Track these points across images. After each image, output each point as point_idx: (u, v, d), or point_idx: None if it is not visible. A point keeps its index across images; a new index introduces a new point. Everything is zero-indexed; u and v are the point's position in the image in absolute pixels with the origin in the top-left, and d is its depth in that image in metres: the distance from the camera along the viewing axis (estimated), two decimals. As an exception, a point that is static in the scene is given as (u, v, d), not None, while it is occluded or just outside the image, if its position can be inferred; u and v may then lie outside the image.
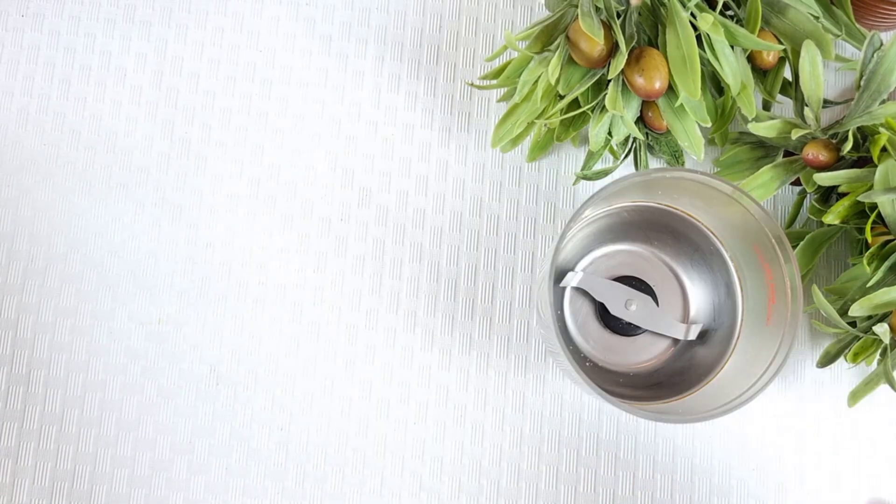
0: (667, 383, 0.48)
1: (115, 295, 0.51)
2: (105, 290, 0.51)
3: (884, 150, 0.44)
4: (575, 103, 0.47)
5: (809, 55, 0.44)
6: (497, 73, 0.49)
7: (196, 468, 0.50)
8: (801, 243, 0.49)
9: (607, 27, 0.44)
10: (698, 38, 0.44)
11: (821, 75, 0.45)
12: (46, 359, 0.50)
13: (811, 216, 0.49)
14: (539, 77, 0.46)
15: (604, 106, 0.47)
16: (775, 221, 0.44)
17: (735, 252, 0.48)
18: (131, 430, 0.50)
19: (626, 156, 0.51)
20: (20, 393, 0.50)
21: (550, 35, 0.46)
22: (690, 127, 0.46)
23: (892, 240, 0.45)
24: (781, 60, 0.48)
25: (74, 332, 0.51)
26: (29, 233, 0.52)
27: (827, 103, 0.48)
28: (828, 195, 0.49)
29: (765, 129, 0.46)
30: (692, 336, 0.49)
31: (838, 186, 0.46)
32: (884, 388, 0.51)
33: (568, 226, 0.44)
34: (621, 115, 0.45)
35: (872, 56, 0.45)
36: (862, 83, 0.45)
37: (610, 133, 0.48)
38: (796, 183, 0.49)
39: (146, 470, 0.49)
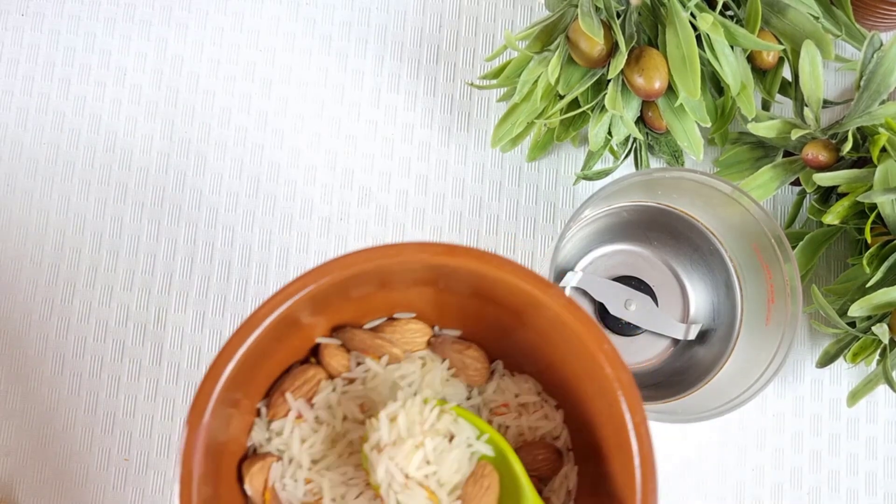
0: (666, 383, 0.48)
1: (113, 294, 0.51)
2: (104, 290, 0.51)
3: (883, 150, 0.44)
4: (575, 103, 0.47)
5: (809, 55, 0.44)
6: (497, 73, 0.49)
7: (195, 467, 0.50)
8: (801, 243, 0.49)
9: (607, 27, 0.44)
10: (698, 38, 0.44)
11: (820, 75, 0.45)
12: (45, 358, 0.50)
13: (811, 216, 0.49)
14: (539, 77, 0.46)
15: (603, 106, 0.47)
16: (775, 221, 0.44)
17: (734, 252, 0.48)
18: (129, 430, 0.50)
19: (627, 156, 0.51)
20: (19, 391, 0.50)
21: (550, 35, 0.46)
22: (690, 127, 0.46)
23: (892, 240, 0.45)
24: (781, 60, 0.48)
25: (72, 331, 0.51)
26: (28, 232, 0.52)
27: (827, 103, 0.48)
28: (827, 195, 0.49)
29: (764, 129, 0.46)
30: (691, 336, 0.49)
31: (838, 187, 0.46)
32: (883, 388, 0.51)
33: (567, 226, 0.44)
34: (621, 115, 0.45)
35: (872, 56, 0.45)
36: (862, 83, 0.45)
37: (610, 133, 0.48)
38: (796, 183, 0.49)
39: (144, 469, 0.49)
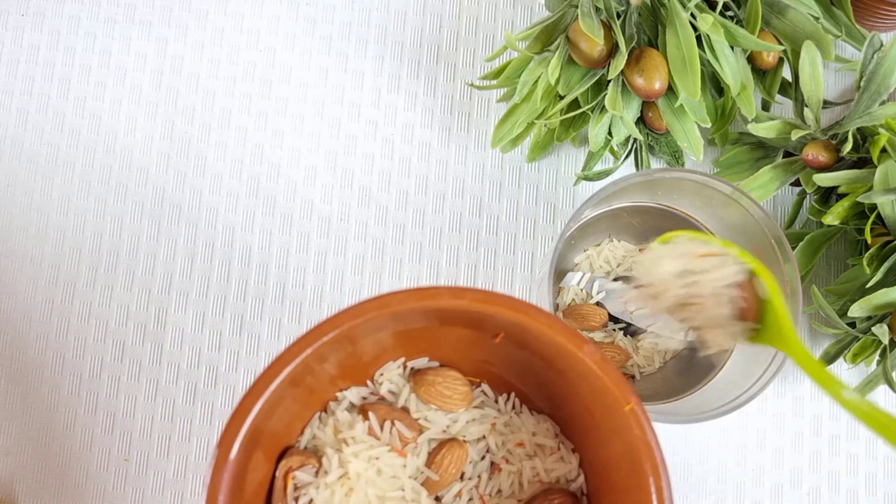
0: (666, 384, 0.48)
1: (113, 294, 0.51)
2: (104, 290, 0.51)
3: (883, 150, 0.44)
4: (575, 103, 0.47)
5: (809, 56, 0.44)
6: (497, 74, 0.49)
7: (194, 466, 0.50)
8: (801, 244, 0.49)
9: (607, 27, 0.44)
10: (698, 38, 0.44)
11: (821, 76, 0.45)
12: (45, 358, 0.50)
13: (811, 217, 0.49)
14: (539, 77, 0.46)
15: (604, 106, 0.47)
16: (775, 222, 0.44)
17: (734, 252, 0.48)
18: (129, 429, 0.50)
19: (627, 156, 0.51)
20: (19, 391, 0.50)
21: (550, 35, 0.46)
22: (690, 128, 0.46)
23: (892, 241, 0.45)
24: (781, 61, 0.48)
25: (73, 332, 0.51)
26: (28, 232, 0.52)
27: (827, 104, 0.48)
28: (827, 196, 0.49)
29: (764, 129, 0.46)
30: (692, 336, 0.49)
31: (838, 187, 0.46)
32: (883, 388, 0.51)
33: (568, 226, 0.44)
34: (621, 115, 0.45)
35: (872, 57, 0.45)
36: (862, 84, 0.45)
37: (610, 133, 0.48)
38: (796, 183, 0.49)
39: (144, 469, 0.49)
